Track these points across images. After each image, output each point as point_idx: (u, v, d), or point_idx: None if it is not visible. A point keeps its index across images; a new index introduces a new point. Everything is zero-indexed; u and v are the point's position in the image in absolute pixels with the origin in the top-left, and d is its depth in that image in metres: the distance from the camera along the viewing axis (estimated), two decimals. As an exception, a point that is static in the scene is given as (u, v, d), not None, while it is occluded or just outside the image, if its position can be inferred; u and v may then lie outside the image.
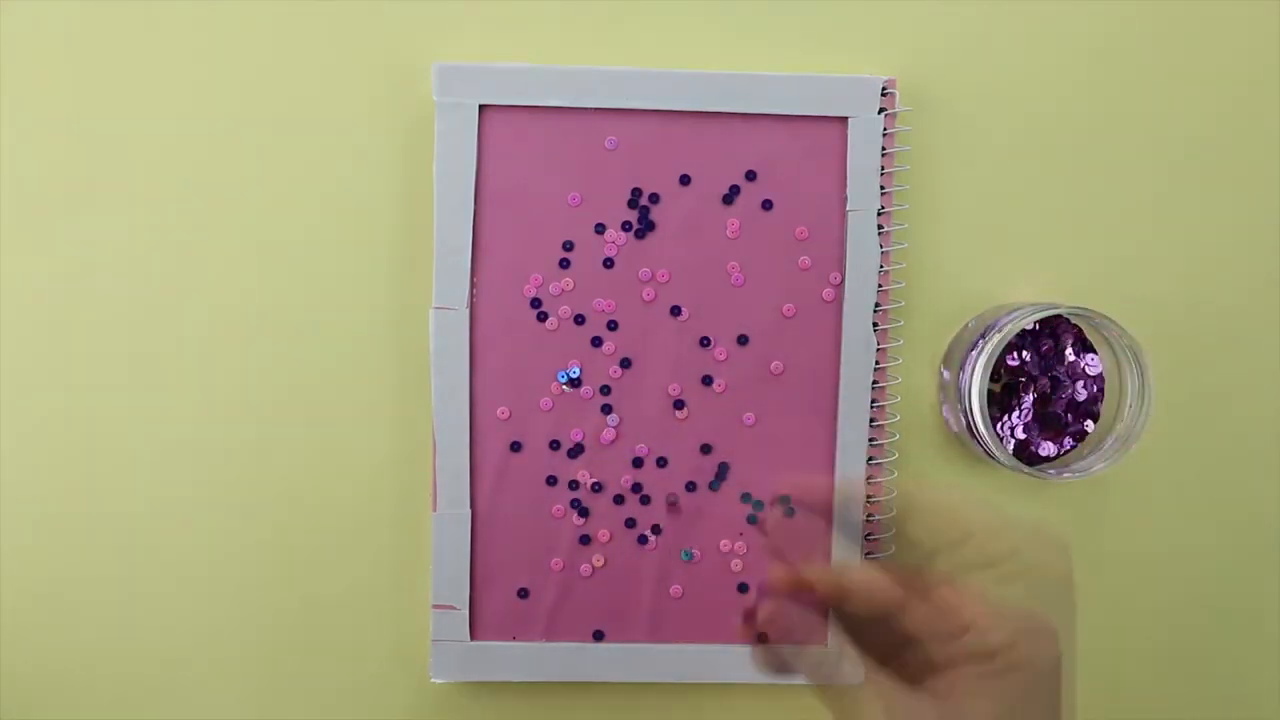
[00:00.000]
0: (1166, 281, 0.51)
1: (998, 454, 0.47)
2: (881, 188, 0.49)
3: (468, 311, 0.49)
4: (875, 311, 0.49)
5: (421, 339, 0.49)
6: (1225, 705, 0.53)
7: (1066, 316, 0.49)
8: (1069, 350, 0.50)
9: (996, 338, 0.46)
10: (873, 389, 0.49)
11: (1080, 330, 0.50)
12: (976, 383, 0.47)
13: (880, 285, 0.49)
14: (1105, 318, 0.46)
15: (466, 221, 0.49)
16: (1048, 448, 0.50)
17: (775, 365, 0.50)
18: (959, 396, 0.48)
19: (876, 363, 0.49)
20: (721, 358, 0.50)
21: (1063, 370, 0.50)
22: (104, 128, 0.49)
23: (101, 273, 0.50)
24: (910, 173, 0.50)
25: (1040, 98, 0.50)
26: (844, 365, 0.49)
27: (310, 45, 0.49)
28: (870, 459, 0.50)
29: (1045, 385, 0.50)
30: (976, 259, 0.51)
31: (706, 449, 0.50)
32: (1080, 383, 0.50)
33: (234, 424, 0.50)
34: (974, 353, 0.47)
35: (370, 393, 0.50)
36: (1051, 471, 0.48)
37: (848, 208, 0.49)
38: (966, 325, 0.50)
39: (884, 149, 0.49)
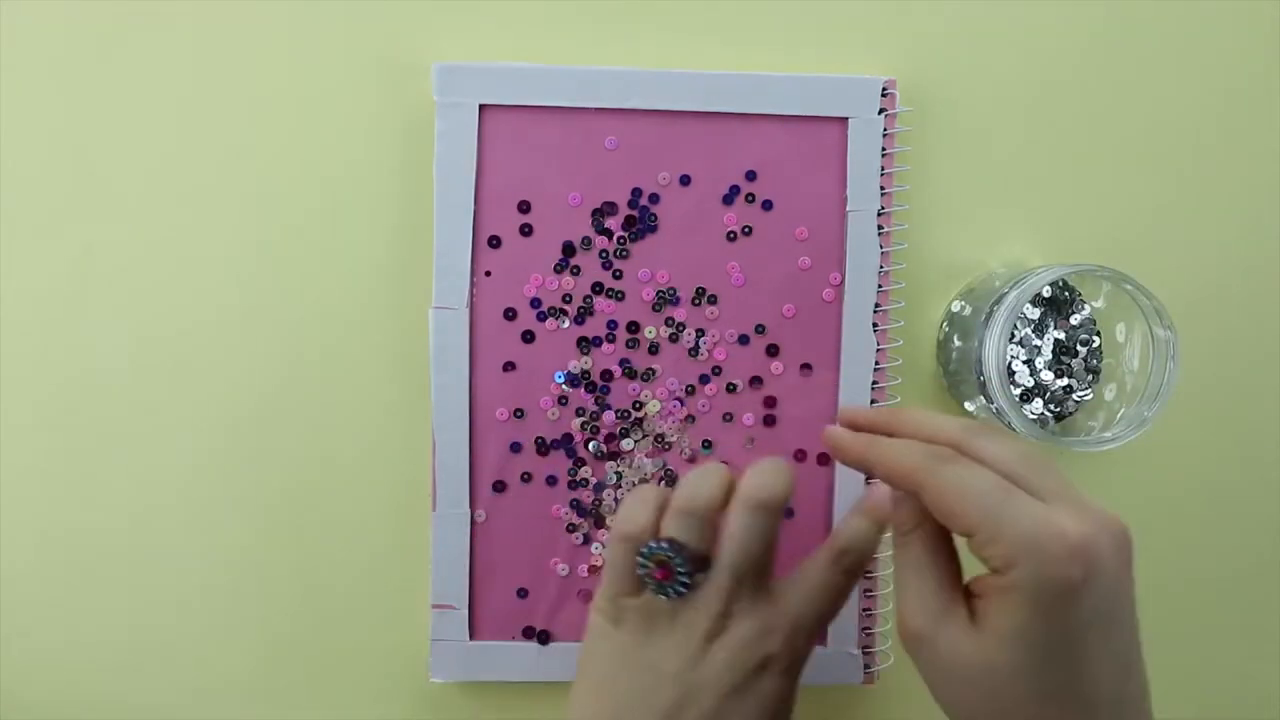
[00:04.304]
0: (1168, 275, 0.51)
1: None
2: (881, 188, 0.49)
3: (468, 311, 0.49)
4: (875, 311, 0.49)
5: (421, 339, 0.49)
6: (1227, 704, 0.53)
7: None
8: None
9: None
10: (872, 389, 0.49)
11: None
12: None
13: (880, 285, 0.49)
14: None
15: (466, 221, 0.49)
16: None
17: (775, 366, 0.50)
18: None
19: (876, 363, 0.49)
20: (721, 358, 0.50)
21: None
22: (103, 129, 0.49)
23: (101, 273, 0.50)
24: (910, 173, 0.50)
25: (1040, 98, 0.50)
26: (844, 365, 0.49)
27: (310, 45, 0.49)
28: (870, 459, 0.50)
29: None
30: (976, 259, 0.51)
31: (706, 448, 0.50)
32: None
33: (233, 424, 0.50)
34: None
35: (370, 393, 0.50)
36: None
37: (848, 208, 0.49)
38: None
39: (884, 149, 0.49)
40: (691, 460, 0.50)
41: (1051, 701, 0.34)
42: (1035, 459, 0.36)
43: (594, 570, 0.50)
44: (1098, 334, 0.50)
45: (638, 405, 0.50)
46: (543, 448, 0.50)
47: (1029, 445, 0.37)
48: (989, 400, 0.47)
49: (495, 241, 0.49)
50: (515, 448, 0.50)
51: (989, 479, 0.35)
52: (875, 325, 0.49)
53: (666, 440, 0.50)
